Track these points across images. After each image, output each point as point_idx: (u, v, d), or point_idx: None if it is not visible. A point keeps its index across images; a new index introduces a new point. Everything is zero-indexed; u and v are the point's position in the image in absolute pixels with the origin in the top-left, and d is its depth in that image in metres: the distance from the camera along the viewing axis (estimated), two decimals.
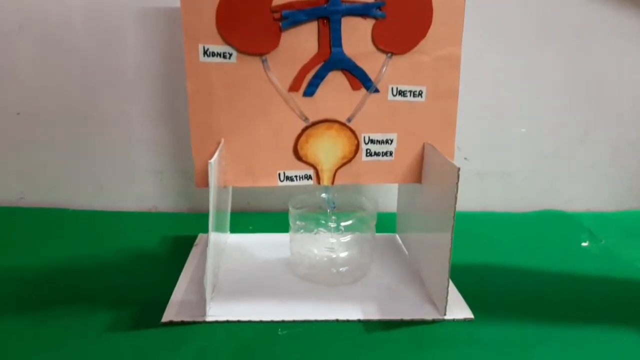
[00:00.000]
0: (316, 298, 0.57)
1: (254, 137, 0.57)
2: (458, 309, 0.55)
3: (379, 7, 0.53)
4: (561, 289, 0.61)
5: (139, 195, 0.82)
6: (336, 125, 0.57)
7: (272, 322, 0.52)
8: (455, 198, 0.49)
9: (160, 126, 0.79)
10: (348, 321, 0.53)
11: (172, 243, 0.71)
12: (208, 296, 0.53)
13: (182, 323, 0.52)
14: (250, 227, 0.76)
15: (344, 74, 0.55)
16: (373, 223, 0.61)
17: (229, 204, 0.69)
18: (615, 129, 0.83)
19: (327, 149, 0.57)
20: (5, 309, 0.54)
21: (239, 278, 0.61)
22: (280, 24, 0.53)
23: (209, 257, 0.51)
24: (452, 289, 0.58)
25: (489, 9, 0.75)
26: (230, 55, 0.54)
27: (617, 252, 0.71)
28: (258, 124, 0.56)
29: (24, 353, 0.47)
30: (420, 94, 0.56)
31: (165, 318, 0.52)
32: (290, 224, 0.61)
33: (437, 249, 0.54)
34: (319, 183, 0.59)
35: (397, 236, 0.73)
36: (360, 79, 0.55)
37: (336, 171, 0.59)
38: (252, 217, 0.79)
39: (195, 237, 0.71)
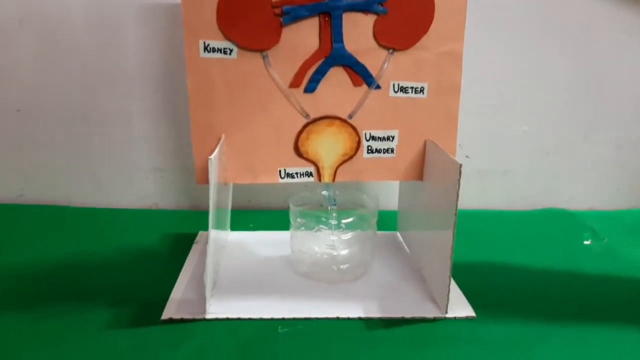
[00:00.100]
0: (317, 296, 0.57)
1: (255, 133, 0.56)
2: (460, 307, 0.55)
3: (381, 3, 0.53)
4: (563, 287, 0.61)
5: (139, 193, 0.82)
6: (337, 122, 0.57)
7: (272, 319, 0.52)
8: (457, 195, 0.48)
9: (161, 123, 0.79)
10: (349, 319, 0.53)
11: (172, 240, 0.70)
12: (208, 293, 0.52)
13: (182, 320, 0.51)
14: (251, 225, 0.75)
15: (345, 70, 0.55)
16: (374, 220, 0.61)
17: (230, 202, 0.69)
18: (617, 126, 0.83)
19: (328, 145, 0.57)
20: (4, 305, 0.54)
21: (239, 275, 0.60)
22: (281, 19, 0.53)
23: (208, 254, 0.50)
24: (454, 287, 0.58)
25: (491, 5, 0.75)
26: (231, 51, 0.53)
27: (619, 251, 0.70)
28: (258, 120, 0.56)
29: (23, 350, 0.47)
30: (422, 90, 0.56)
31: (165, 315, 0.52)
32: (291, 221, 0.61)
33: (438, 247, 0.54)
34: (319, 180, 0.58)
35: (399, 234, 0.73)
36: (361, 75, 0.55)
37: (337, 168, 0.58)
38: (253, 215, 0.79)
39: (195, 235, 0.71)
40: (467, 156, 0.82)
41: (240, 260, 0.65)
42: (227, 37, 0.53)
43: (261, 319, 0.52)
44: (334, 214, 0.59)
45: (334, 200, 0.61)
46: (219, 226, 0.60)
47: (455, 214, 0.49)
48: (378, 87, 0.56)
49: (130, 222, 0.77)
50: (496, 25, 0.76)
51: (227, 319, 0.52)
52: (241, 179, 0.58)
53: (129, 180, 0.81)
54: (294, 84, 0.55)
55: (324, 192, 0.62)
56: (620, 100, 0.82)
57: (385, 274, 0.62)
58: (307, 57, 0.54)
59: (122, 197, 0.82)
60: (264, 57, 0.54)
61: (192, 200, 0.83)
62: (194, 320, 0.52)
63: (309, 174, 0.58)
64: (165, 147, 0.80)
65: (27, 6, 0.73)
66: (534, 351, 0.49)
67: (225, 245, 0.68)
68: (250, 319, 0.52)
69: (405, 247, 0.69)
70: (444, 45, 0.55)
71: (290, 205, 0.60)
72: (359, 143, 0.58)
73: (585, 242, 0.73)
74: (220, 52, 0.53)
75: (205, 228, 0.51)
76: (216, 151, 0.51)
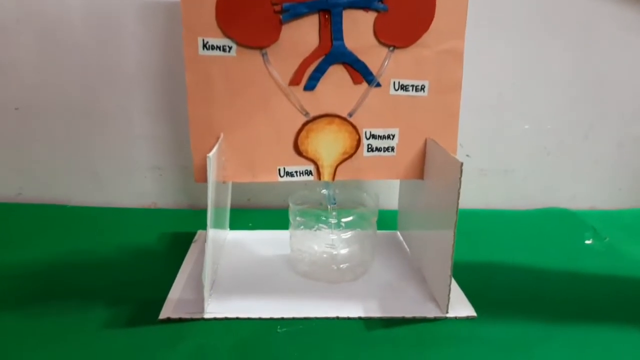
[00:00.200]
0: (316, 295, 0.56)
1: (254, 131, 0.56)
2: (460, 307, 0.54)
3: (381, 0, 0.53)
4: (564, 287, 0.60)
5: (138, 192, 0.82)
6: (337, 120, 0.56)
7: (271, 319, 0.52)
8: (458, 194, 0.48)
9: (160, 122, 0.78)
10: (349, 319, 0.52)
11: (171, 239, 0.70)
12: (206, 293, 0.52)
13: (180, 320, 0.51)
14: (250, 224, 0.75)
15: (345, 68, 0.55)
16: (374, 219, 0.61)
17: (229, 200, 0.69)
18: (619, 125, 0.83)
19: (327, 144, 0.57)
20: (2, 304, 0.54)
21: (238, 275, 0.60)
22: (281, 16, 0.52)
23: (207, 253, 0.50)
24: (455, 286, 0.57)
25: (492, 3, 0.74)
26: (230, 48, 0.53)
27: (621, 250, 0.70)
28: (258, 119, 0.56)
29: (20, 349, 0.47)
30: (422, 88, 0.56)
31: (163, 315, 0.51)
32: (291, 220, 0.60)
33: (439, 246, 0.53)
34: (319, 179, 0.58)
35: (399, 233, 0.72)
36: (361, 73, 0.55)
37: (337, 167, 0.58)
38: (252, 214, 0.79)
39: (194, 234, 0.71)
40: (467, 155, 0.82)
41: (239, 259, 0.64)
42: (226, 35, 0.52)
43: (260, 319, 0.52)
44: (334, 213, 0.59)
45: (334, 199, 0.60)
46: (218, 225, 0.60)
47: (456, 213, 0.48)
48: (378, 85, 0.55)
49: (128, 221, 0.76)
50: (497, 24, 0.76)
51: (226, 319, 0.52)
52: (240, 177, 0.58)
53: (127, 179, 0.81)
54: (294, 81, 0.55)
55: (324, 191, 0.61)
56: (622, 99, 0.81)
57: (386, 274, 0.61)
58: (306, 54, 0.54)
59: (120, 196, 0.81)
60: (263, 55, 0.54)
61: (191, 199, 0.83)
62: (192, 319, 0.51)
63: (309, 173, 0.58)
64: (164, 146, 0.80)
65: (26, 5, 0.72)
66: (535, 351, 0.48)
67: (224, 244, 0.68)
68: (249, 319, 0.52)
69: (406, 246, 0.69)
70: (444, 43, 0.54)
71: (290, 204, 0.60)
72: (359, 141, 0.57)
73: (587, 242, 0.73)
74: (220, 49, 0.53)
75: (204, 227, 0.51)
76: (214, 149, 0.50)
